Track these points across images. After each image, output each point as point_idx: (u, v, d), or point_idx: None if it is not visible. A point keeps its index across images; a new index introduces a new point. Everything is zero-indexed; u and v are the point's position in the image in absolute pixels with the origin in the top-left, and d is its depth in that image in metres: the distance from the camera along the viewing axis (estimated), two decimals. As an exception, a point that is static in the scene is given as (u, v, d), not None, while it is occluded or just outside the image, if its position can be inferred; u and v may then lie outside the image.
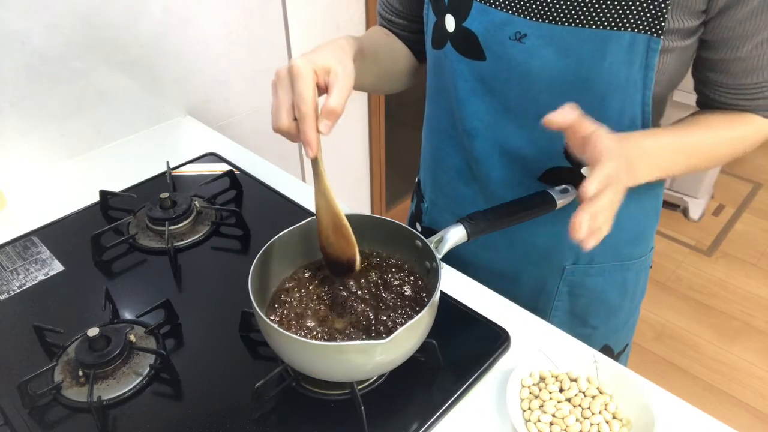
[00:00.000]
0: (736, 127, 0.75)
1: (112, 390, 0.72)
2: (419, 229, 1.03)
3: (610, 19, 0.66)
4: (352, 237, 0.69)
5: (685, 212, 2.67)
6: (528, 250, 0.88)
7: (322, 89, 0.61)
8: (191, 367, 0.76)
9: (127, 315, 0.83)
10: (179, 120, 1.34)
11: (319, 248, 0.73)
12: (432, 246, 0.70)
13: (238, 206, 1.05)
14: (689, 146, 0.73)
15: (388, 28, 0.93)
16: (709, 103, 0.77)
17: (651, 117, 0.73)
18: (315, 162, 0.63)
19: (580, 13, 0.67)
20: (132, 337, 0.77)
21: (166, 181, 1.08)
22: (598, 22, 0.67)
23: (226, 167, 1.12)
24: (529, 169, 0.80)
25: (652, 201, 0.88)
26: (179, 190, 1.06)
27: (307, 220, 0.74)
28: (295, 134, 0.60)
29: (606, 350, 0.97)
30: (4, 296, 0.86)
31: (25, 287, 0.88)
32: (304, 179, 1.78)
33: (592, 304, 0.92)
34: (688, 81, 0.78)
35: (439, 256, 0.69)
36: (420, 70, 0.95)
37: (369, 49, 0.77)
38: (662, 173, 0.72)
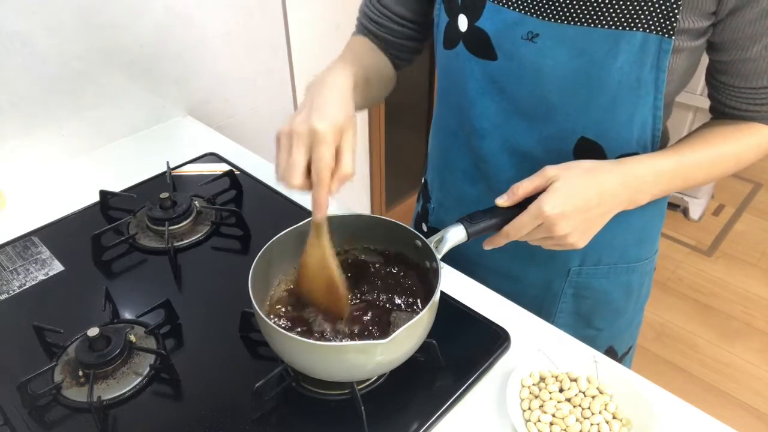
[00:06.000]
0: (741, 139, 0.75)
1: (112, 390, 0.72)
2: (425, 229, 1.03)
3: (623, 19, 0.66)
4: (346, 299, 0.70)
5: (685, 212, 2.67)
6: (534, 251, 0.88)
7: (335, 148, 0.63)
8: (191, 367, 0.75)
9: (127, 315, 0.83)
10: (179, 120, 1.34)
11: (298, 291, 0.73)
12: (432, 246, 0.70)
13: (238, 206, 1.05)
14: (689, 166, 0.74)
15: (374, 34, 0.89)
16: (721, 108, 0.77)
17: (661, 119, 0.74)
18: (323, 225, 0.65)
19: (592, 12, 0.67)
20: (132, 337, 0.77)
21: (166, 181, 1.08)
22: (611, 22, 0.67)
23: (226, 167, 1.12)
24: (538, 169, 0.80)
25: (658, 204, 0.88)
26: (179, 190, 1.06)
27: (307, 220, 0.74)
28: (305, 190, 0.62)
29: (610, 352, 0.97)
30: (4, 296, 0.86)
31: (25, 287, 0.88)
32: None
33: (597, 306, 0.92)
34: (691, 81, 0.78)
35: (439, 256, 0.69)
36: (395, 81, 0.93)
37: (361, 79, 0.75)
38: (661, 195, 0.74)
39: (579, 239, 0.69)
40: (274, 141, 0.64)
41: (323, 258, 0.68)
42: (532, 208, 0.67)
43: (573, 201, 0.66)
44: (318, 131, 0.60)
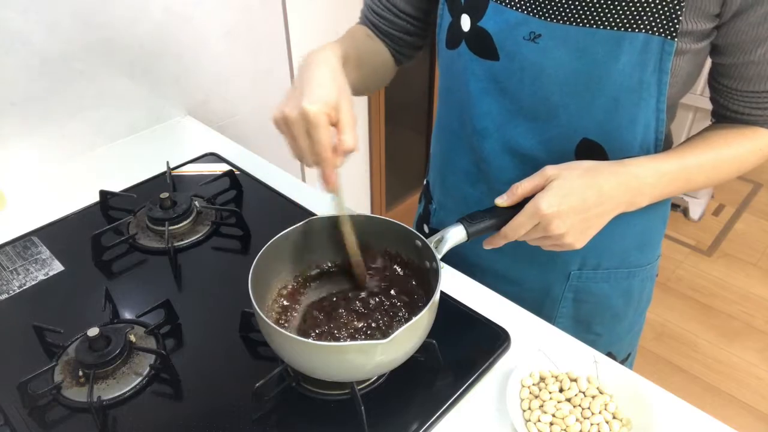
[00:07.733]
0: (743, 143, 0.75)
1: (112, 390, 0.72)
2: (427, 230, 1.03)
3: (625, 20, 0.66)
4: (363, 269, 0.76)
5: (685, 212, 2.67)
6: (533, 254, 0.88)
7: (333, 125, 0.63)
8: (191, 367, 0.76)
9: (127, 315, 0.83)
10: (179, 120, 1.34)
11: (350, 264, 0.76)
12: (432, 246, 0.70)
13: (238, 206, 1.05)
14: (691, 169, 0.73)
15: (376, 26, 0.89)
16: (723, 112, 0.77)
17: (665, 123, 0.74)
18: (337, 196, 0.68)
19: (594, 13, 0.67)
20: (132, 337, 0.77)
21: (166, 181, 1.08)
22: (613, 23, 0.67)
23: (226, 167, 1.12)
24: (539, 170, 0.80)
25: (660, 208, 0.87)
26: (179, 190, 1.06)
27: (307, 220, 0.74)
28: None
29: (609, 357, 0.97)
30: (4, 296, 0.86)
31: (25, 287, 0.88)
32: (304, 179, 1.78)
33: (596, 311, 0.92)
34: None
35: (439, 256, 0.69)
36: (393, 74, 0.94)
37: (352, 56, 0.75)
38: (661, 198, 0.74)
39: (576, 239, 0.69)
40: (274, 125, 0.65)
41: (346, 232, 0.72)
42: (529, 206, 0.67)
43: (569, 200, 0.66)
44: (309, 114, 0.60)
